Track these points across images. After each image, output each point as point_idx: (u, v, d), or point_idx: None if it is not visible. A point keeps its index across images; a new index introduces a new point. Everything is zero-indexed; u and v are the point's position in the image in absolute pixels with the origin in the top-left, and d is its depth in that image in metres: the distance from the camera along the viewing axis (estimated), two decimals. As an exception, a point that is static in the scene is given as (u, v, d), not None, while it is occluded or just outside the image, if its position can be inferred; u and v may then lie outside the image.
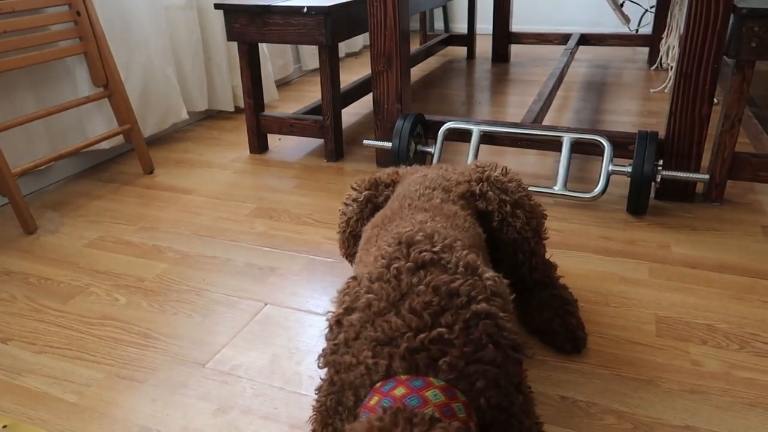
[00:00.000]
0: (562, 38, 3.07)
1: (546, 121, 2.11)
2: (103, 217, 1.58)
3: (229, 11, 1.84)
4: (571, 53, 2.58)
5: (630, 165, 1.43)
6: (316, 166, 1.89)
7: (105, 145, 1.88)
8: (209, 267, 1.32)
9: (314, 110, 2.06)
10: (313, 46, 2.86)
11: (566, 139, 1.52)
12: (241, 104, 2.42)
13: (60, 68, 1.78)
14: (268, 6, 1.76)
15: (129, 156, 2.01)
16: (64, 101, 1.75)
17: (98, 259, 1.37)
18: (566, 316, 0.98)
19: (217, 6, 1.87)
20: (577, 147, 1.55)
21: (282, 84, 2.90)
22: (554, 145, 1.60)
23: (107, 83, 1.78)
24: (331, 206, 1.58)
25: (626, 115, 2.25)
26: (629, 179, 1.42)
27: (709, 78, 1.37)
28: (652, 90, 2.56)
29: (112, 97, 1.80)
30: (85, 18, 1.71)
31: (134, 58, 1.98)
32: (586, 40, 3.02)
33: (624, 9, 3.23)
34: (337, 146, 1.91)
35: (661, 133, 1.48)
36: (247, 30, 1.84)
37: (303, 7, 1.71)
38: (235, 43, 2.03)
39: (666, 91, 2.51)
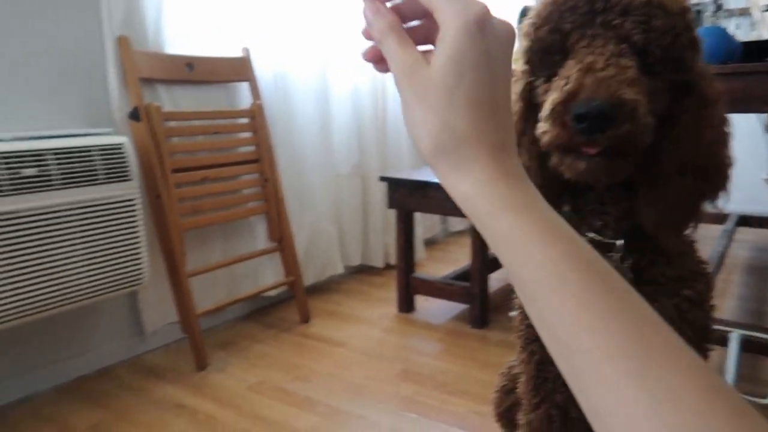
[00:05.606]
0: (717, 218, 2.97)
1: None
2: (264, 362, 1.72)
3: (392, 183, 2.05)
4: (729, 237, 2.48)
5: (813, 372, 1.30)
6: (460, 331, 1.92)
7: (271, 292, 2.08)
8: (357, 428, 1.36)
9: (461, 275, 2.14)
10: (460, 211, 3.02)
11: (735, 335, 1.43)
12: (391, 261, 2.58)
13: (245, 224, 2.06)
14: (427, 181, 1.95)
15: (288, 303, 2.18)
16: (244, 252, 2.00)
17: (258, 405, 1.47)
18: None
19: (382, 179, 2.10)
20: (747, 345, 1.45)
21: (428, 243, 3.06)
22: (716, 338, 1.50)
23: (281, 239, 2.02)
24: (476, 377, 1.59)
25: (800, 307, 2.07)
26: (813, 388, 1.29)
27: None
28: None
29: (283, 251, 2.03)
30: (271, 184, 2.00)
31: (305, 216, 2.23)
32: (746, 221, 2.89)
33: (788, 191, 3.08)
34: (483, 313, 1.95)
35: None
36: (407, 200, 2.03)
37: (462, 184, 1.87)
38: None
39: None
